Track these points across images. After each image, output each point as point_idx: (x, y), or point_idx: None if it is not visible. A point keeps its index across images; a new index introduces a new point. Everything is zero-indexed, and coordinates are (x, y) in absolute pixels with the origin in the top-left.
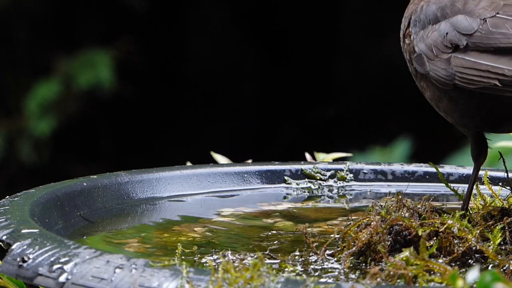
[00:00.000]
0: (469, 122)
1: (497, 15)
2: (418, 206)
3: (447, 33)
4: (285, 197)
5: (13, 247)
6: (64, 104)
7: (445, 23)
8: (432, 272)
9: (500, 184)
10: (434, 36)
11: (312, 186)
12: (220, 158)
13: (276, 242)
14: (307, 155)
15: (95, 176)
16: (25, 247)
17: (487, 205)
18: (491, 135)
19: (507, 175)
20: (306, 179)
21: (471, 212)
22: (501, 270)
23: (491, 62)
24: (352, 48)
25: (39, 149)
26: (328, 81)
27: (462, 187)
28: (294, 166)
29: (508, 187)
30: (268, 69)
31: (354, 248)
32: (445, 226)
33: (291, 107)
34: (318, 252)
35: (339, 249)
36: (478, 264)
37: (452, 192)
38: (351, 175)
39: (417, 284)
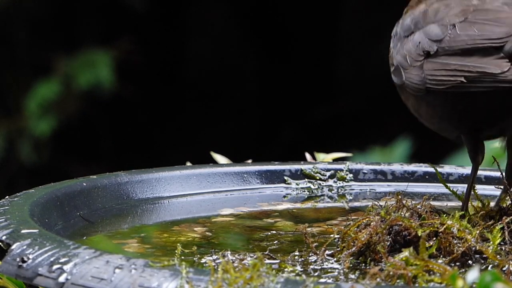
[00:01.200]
0: (449, 127)
1: (466, 20)
2: (418, 206)
3: (419, 42)
4: (284, 197)
5: (13, 247)
6: (64, 104)
7: (419, 33)
8: (431, 272)
9: (495, 186)
10: (408, 46)
11: (312, 186)
12: (220, 158)
13: (276, 242)
14: (307, 155)
15: (95, 176)
16: (24, 247)
17: (487, 205)
18: None
19: (502, 176)
20: (306, 179)
21: (470, 213)
22: (501, 270)
23: (458, 62)
24: (352, 48)
25: (39, 149)
26: (328, 81)
27: (462, 187)
28: (294, 166)
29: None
30: (268, 69)
31: (353, 248)
32: (444, 226)
33: (291, 107)
34: (318, 252)
35: (338, 249)
36: (477, 264)
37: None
38: (351, 175)
39: (416, 284)
